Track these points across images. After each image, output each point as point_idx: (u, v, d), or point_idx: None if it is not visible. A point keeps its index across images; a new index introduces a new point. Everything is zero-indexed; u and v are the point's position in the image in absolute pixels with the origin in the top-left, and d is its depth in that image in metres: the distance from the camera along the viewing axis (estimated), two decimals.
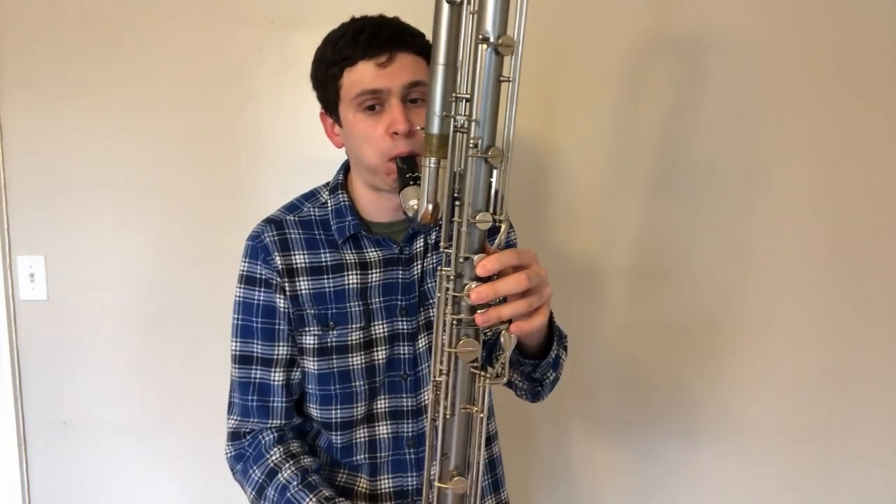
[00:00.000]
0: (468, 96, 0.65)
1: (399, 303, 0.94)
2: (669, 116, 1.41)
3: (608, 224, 1.45)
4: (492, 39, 0.62)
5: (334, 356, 0.91)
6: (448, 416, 0.74)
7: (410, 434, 0.96)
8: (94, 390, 1.55)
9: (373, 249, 0.94)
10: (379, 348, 0.93)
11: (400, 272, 0.94)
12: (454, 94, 0.66)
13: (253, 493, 0.90)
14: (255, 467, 0.91)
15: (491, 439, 1.06)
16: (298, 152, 1.46)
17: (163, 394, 1.55)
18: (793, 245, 1.44)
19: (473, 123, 0.65)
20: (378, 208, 0.94)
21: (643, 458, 1.53)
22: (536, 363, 0.89)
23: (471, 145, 0.65)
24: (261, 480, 0.90)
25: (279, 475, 0.88)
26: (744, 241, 1.44)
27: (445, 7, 0.65)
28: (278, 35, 1.43)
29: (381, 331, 0.93)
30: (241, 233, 1.46)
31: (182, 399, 1.55)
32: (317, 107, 1.42)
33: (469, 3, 0.64)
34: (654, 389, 1.50)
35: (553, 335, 0.89)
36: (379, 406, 0.95)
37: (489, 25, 0.62)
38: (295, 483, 0.87)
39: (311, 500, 0.85)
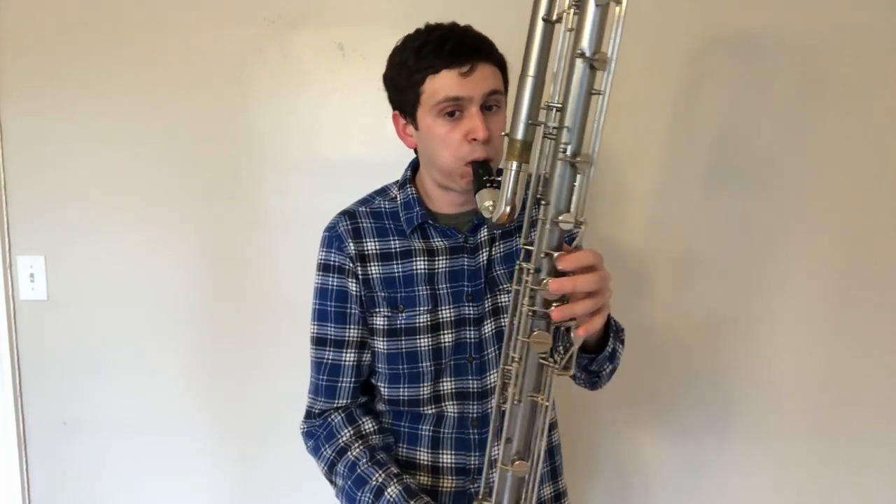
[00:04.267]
0: (559, 105, 0.69)
1: (465, 289, 0.99)
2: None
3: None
4: (588, 55, 0.66)
5: (402, 337, 0.98)
6: (516, 402, 0.78)
7: (475, 415, 1.00)
8: (94, 390, 1.55)
9: (439, 239, 0.99)
10: (445, 332, 0.98)
11: (466, 260, 0.99)
12: (546, 103, 0.70)
13: (325, 467, 0.99)
14: (326, 446, 0.99)
15: (551, 427, 1.09)
16: (298, 152, 1.47)
17: (163, 394, 1.55)
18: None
19: (564, 130, 0.69)
20: (445, 201, 1.00)
21: (639, 457, 1.53)
22: (593, 357, 0.93)
23: (560, 150, 0.69)
24: (332, 457, 0.98)
25: (348, 453, 0.96)
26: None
27: (540, 24, 0.70)
28: (278, 35, 1.43)
29: (448, 315, 0.98)
30: (241, 233, 1.49)
31: (182, 399, 1.55)
32: (321, 108, 1.44)
33: (561, 20, 0.69)
34: (655, 389, 1.50)
35: (609, 331, 0.93)
36: (445, 387, 1.00)
37: (586, 42, 0.66)
38: (364, 460, 0.95)
39: (379, 475, 0.93)
